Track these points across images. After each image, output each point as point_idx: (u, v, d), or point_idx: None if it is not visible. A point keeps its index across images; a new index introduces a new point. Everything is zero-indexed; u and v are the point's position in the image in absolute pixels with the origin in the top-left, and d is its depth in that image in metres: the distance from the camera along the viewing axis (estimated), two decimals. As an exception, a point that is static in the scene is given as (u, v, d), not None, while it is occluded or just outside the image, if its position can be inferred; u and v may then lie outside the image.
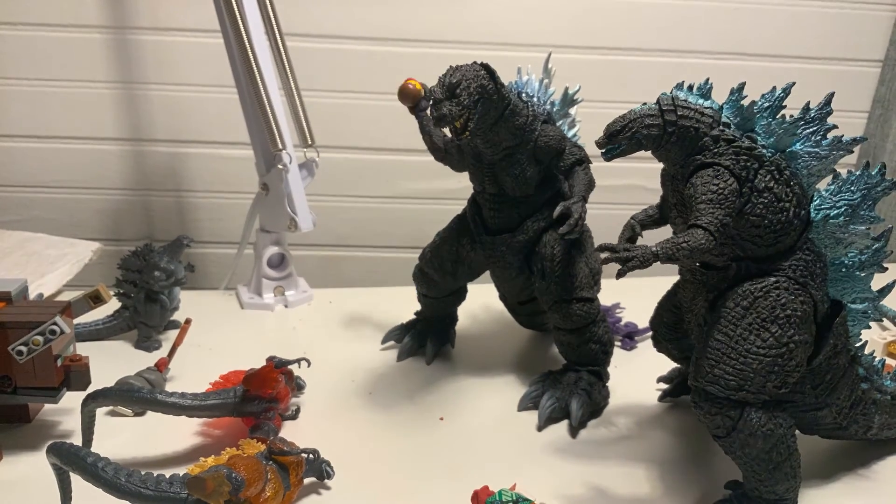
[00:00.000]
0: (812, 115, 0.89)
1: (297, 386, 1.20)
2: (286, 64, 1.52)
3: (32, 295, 1.40)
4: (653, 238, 0.91)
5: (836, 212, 0.90)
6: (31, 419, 1.11)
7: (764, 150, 0.88)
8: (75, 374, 1.04)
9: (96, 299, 1.15)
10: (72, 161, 1.82)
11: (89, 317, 1.36)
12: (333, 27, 1.74)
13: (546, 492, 0.97)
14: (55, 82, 1.75)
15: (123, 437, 1.08)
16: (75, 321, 1.33)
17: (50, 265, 1.54)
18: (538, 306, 1.24)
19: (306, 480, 0.98)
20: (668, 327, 1.10)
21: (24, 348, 0.98)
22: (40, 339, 0.98)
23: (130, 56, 1.74)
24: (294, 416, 1.15)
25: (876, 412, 1.02)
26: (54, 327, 0.98)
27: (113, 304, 1.37)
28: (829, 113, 0.89)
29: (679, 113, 0.90)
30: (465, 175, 1.23)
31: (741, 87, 0.90)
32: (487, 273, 1.30)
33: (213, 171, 1.85)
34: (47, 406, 1.15)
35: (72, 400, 1.05)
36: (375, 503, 0.98)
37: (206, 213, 1.89)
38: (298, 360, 1.16)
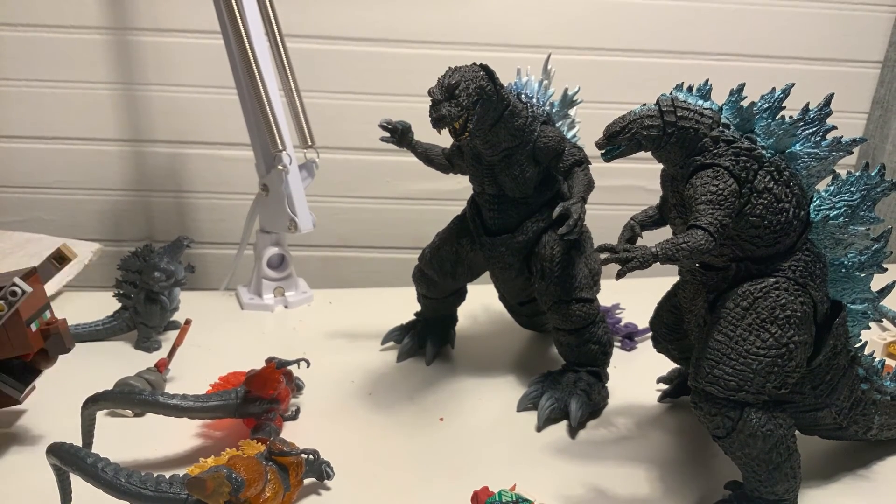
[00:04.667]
0: (811, 115, 0.89)
1: (296, 386, 1.20)
2: (286, 65, 1.52)
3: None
4: (652, 239, 0.91)
5: (835, 213, 0.90)
6: (21, 401, 1.08)
7: (763, 151, 0.88)
8: (53, 339, 1.02)
9: (60, 259, 1.13)
10: (72, 162, 1.82)
11: (89, 317, 1.37)
12: (333, 28, 1.75)
13: (546, 492, 0.97)
14: (55, 83, 1.75)
15: (123, 438, 1.08)
16: (75, 322, 1.33)
17: (50, 266, 1.54)
18: (538, 307, 1.24)
19: (306, 481, 0.98)
20: (668, 328, 1.10)
21: None
22: (2, 302, 0.96)
23: (131, 57, 1.75)
24: (294, 417, 1.15)
25: (876, 413, 1.02)
26: (14, 289, 0.96)
27: (113, 305, 1.38)
28: (829, 114, 0.89)
29: (679, 114, 0.90)
30: (465, 176, 1.23)
31: (741, 88, 0.90)
32: (487, 274, 1.30)
33: (214, 171, 1.85)
34: (47, 407, 1.14)
35: (72, 402, 1.04)
36: (375, 503, 0.98)
37: (206, 214, 1.89)
38: (298, 361, 1.16)
